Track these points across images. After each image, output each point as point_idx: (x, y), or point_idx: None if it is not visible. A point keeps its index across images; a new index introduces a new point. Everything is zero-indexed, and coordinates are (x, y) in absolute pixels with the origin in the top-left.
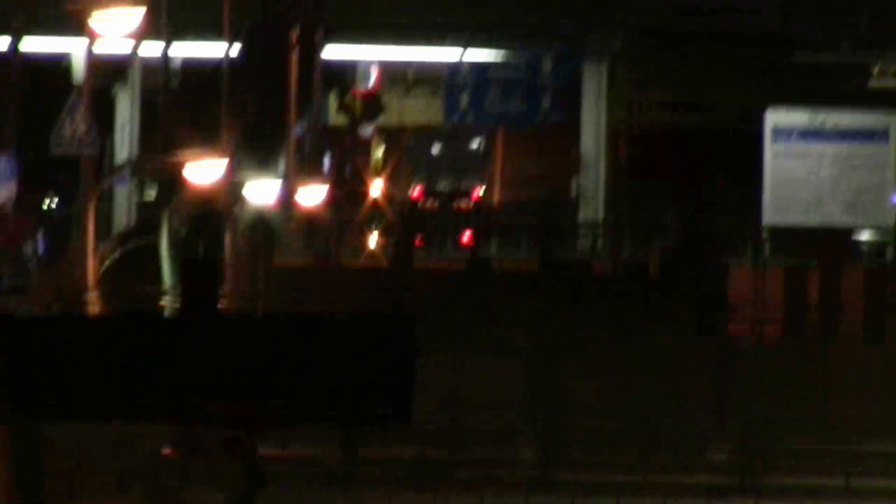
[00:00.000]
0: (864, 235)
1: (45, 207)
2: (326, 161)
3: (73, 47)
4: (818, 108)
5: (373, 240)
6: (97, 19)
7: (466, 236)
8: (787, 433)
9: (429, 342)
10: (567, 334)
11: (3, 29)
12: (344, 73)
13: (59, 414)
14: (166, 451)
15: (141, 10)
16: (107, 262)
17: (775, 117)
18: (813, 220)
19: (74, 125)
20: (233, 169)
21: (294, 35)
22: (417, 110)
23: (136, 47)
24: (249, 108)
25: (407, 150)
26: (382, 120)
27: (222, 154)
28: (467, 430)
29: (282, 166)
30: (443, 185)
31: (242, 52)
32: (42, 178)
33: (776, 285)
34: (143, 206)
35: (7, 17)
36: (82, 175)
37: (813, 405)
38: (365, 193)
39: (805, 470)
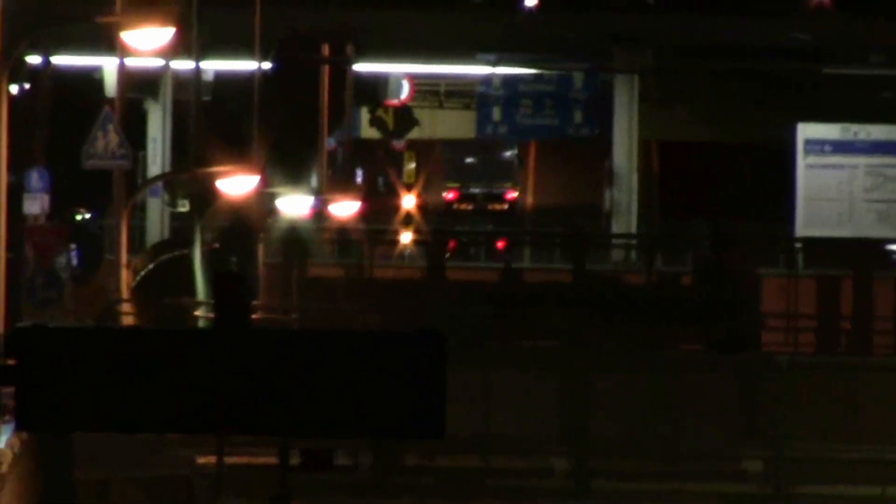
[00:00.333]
0: None
1: (78, 220)
2: (359, 174)
3: (104, 61)
4: (849, 120)
5: (406, 237)
6: (129, 34)
7: (500, 243)
8: (820, 442)
9: (461, 353)
10: (600, 345)
11: (35, 43)
12: (376, 86)
13: (91, 425)
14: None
15: (173, 25)
16: (140, 275)
17: (807, 129)
18: (846, 231)
19: (107, 139)
20: (265, 182)
21: (326, 49)
22: (449, 123)
23: (168, 61)
24: (281, 121)
25: (440, 155)
26: (414, 133)
27: (254, 167)
28: (499, 440)
29: (314, 179)
30: (476, 188)
31: (274, 66)
32: (75, 190)
33: (809, 296)
34: (175, 219)
35: (39, 32)
36: (115, 188)
37: (845, 415)
38: (398, 206)
39: (839, 479)
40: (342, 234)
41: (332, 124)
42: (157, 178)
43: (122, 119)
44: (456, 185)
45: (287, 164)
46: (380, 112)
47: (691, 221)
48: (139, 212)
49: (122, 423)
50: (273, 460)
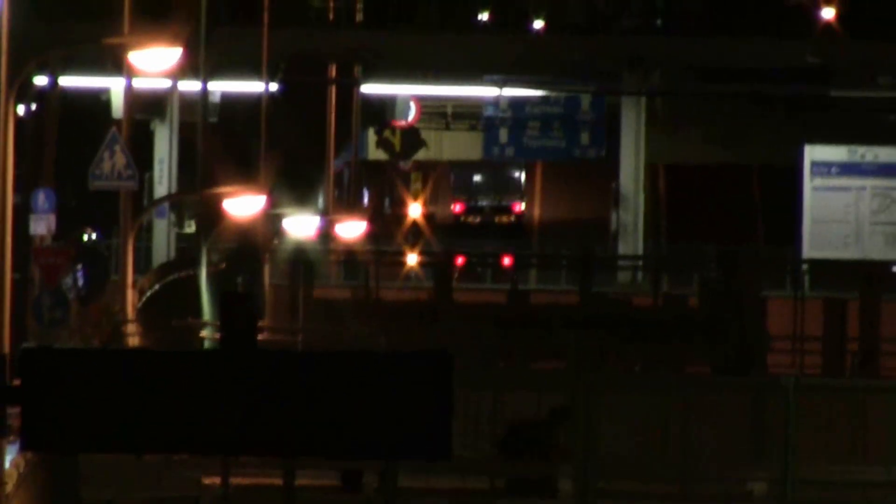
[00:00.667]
0: None
1: (84, 240)
2: (365, 195)
3: (111, 83)
4: (856, 142)
5: (412, 258)
6: (136, 55)
7: (508, 260)
8: (827, 464)
9: (468, 374)
10: (606, 366)
11: (42, 64)
12: (383, 108)
13: (97, 446)
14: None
15: (180, 46)
16: (146, 295)
17: (814, 152)
18: (852, 253)
19: (113, 160)
20: (271, 202)
21: (332, 70)
22: (456, 145)
23: (175, 82)
24: (288, 142)
25: (447, 171)
26: (421, 154)
27: (261, 188)
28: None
29: (321, 200)
30: (484, 201)
31: (281, 87)
32: (82, 211)
33: (816, 318)
34: (182, 240)
35: (47, 53)
36: (121, 209)
37: (852, 436)
38: (404, 224)
39: (846, 502)
40: (348, 255)
41: (339, 145)
42: (163, 198)
43: (129, 140)
44: (463, 197)
45: (294, 185)
46: (387, 133)
47: (697, 243)
48: (145, 232)
49: (127, 443)
50: (278, 481)
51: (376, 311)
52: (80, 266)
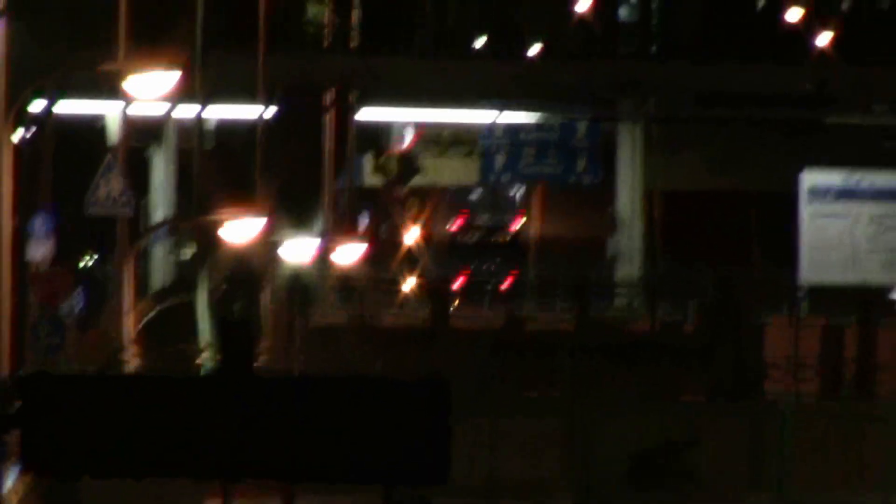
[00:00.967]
0: None
1: (82, 265)
2: (362, 220)
3: (107, 109)
4: (853, 168)
5: (407, 285)
6: (132, 81)
7: (507, 282)
8: (823, 487)
9: (465, 401)
10: (603, 393)
11: (38, 91)
12: (379, 134)
13: (96, 472)
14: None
15: (176, 72)
16: (144, 320)
17: (811, 177)
18: (850, 278)
19: (109, 186)
20: (269, 228)
21: (329, 96)
22: (453, 171)
23: (171, 108)
24: (285, 168)
25: (445, 193)
26: (417, 180)
27: (258, 213)
28: (505, 485)
29: (318, 225)
30: (482, 220)
31: (277, 113)
32: (79, 236)
33: (813, 343)
34: (180, 265)
35: (42, 79)
36: (118, 235)
37: (848, 460)
38: (399, 251)
39: None
40: (345, 281)
41: (335, 171)
42: (160, 224)
43: (126, 166)
44: (460, 216)
45: (290, 211)
46: (383, 159)
47: (694, 268)
48: (143, 257)
49: (126, 468)
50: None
51: (373, 335)
52: (78, 291)
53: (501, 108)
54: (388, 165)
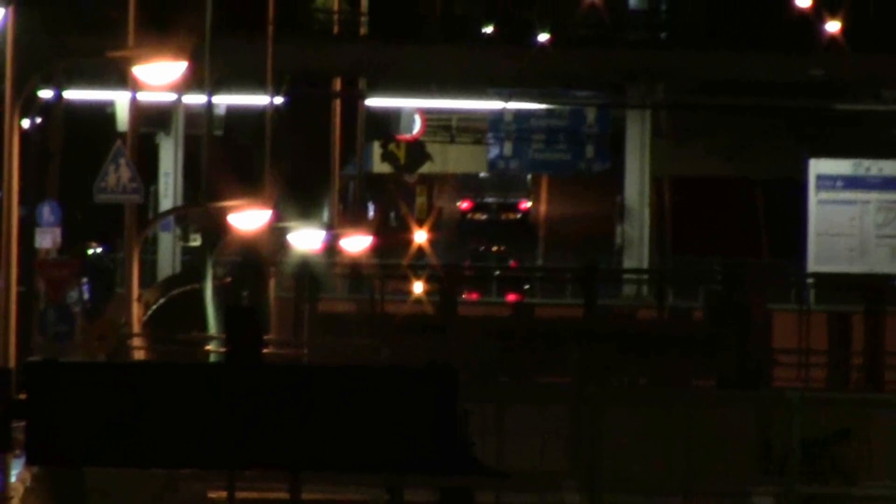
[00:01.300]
0: None
1: (89, 254)
2: (370, 208)
3: (116, 96)
4: (861, 156)
5: (417, 287)
6: (140, 68)
7: (515, 265)
8: (831, 478)
9: (473, 389)
10: (611, 381)
11: (47, 77)
12: (388, 121)
13: (103, 461)
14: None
15: (185, 59)
16: (151, 309)
17: (819, 165)
18: (858, 267)
19: (118, 173)
20: (277, 216)
21: (337, 84)
22: (461, 158)
23: (180, 95)
24: (293, 155)
25: (455, 177)
26: (426, 167)
27: (266, 201)
28: (512, 475)
29: (326, 214)
30: (490, 198)
31: (286, 101)
32: (87, 224)
33: (820, 332)
34: (187, 253)
35: (51, 66)
36: (126, 222)
37: (856, 450)
38: (409, 240)
39: None
40: (354, 269)
41: (344, 159)
42: (168, 212)
43: (134, 153)
44: (470, 194)
45: (299, 198)
46: (392, 147)
47: (703, 256)
48: (150, 246)
49: (133, 458)
50: (284, 496)
51: (381, 324)
52: (85, 280)
53: (510, 95)
54: (396, 153)
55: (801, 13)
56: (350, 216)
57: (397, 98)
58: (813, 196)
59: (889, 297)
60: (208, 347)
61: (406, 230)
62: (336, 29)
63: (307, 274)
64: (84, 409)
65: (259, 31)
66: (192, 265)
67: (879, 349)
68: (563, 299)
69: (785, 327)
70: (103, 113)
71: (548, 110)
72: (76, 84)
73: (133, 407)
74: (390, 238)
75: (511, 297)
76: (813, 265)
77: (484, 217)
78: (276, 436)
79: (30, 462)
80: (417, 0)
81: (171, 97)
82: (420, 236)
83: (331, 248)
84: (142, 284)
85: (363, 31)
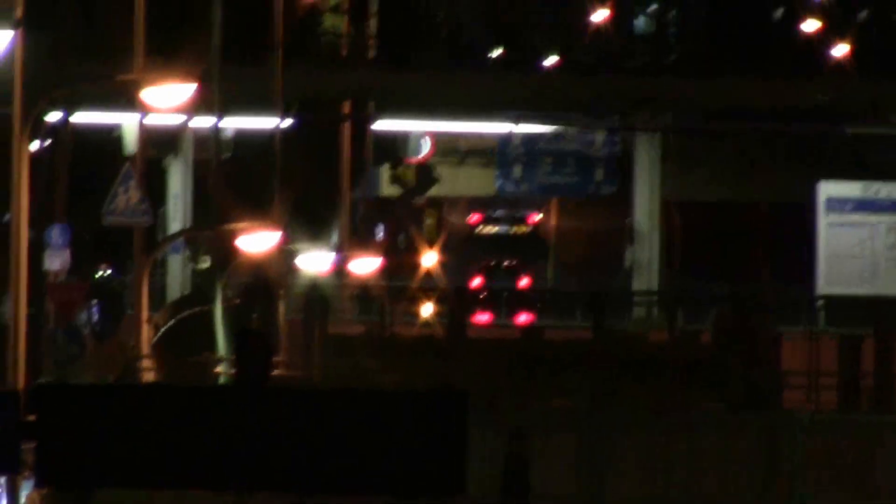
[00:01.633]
0: None
1: (98, 276)
2: (379, 230)
3: (124, 119)
4: (869, 179)
5: (426, 309)
6: (149, 92)
7: (525, 281)
8: (841, 501)
9: (482, 412)
10: (620, 404)
11: (55, 101)
12: (396, 144)
13: (112, 482)
14: None
15: (193, 83)
16: (161, 331)
17: (829, 188)
18: (868, 289)
19: (127, 196)
20: (286, 238)
21: (346, 107)
22: (470, 180)
23: (188, 119)
24: (302, 178)
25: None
26: (435, 190)
27: (275, 224)
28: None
29: (335, 236)
30: (500, 212)
31: (294, 124)
32: (96, 247)
33: (830, 355)
34: (196, 275)
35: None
36: (135, 245)
37: (866, 473)
38: (418, 262)
39: None
40: (363, 291)
41: (352, 181)
42: (177, 234)
43: (143, 176)
44: (480, 208)
45: (307, 221)
46: (400, 169)
47: (712, 280)
48: (160, 268)
49: (141, 479)
50: None
51: (391, 347)
52: (94, 302)
53: (518, 118)
54: (405, 176)
55: (808, 38)
56: (359, 238)
57: (406, 121)
58: (823, 219)
59: None
60: (217, 369)
61: (415, 252)
62: (344, 52)
63: (317, 296)
64: (93, 431)
65: (267, 55)
66: (202, 287)
67: (890, 372)
68: (573, 321)
69: (795, 350)
70: (111, 136)
71: (556, 134)
72: (84, 107)
73: (142, 429)
74: (399, 260)
75: (521, 320)
76: (822, 288)
77: (494, 230)
78: (286, 458)
79: (39, 484)
80: (425, 23)
81: (179, 120)
82: (429, 259)
83: (340, 271)
84: (151, 307)
85: (371, 54)
